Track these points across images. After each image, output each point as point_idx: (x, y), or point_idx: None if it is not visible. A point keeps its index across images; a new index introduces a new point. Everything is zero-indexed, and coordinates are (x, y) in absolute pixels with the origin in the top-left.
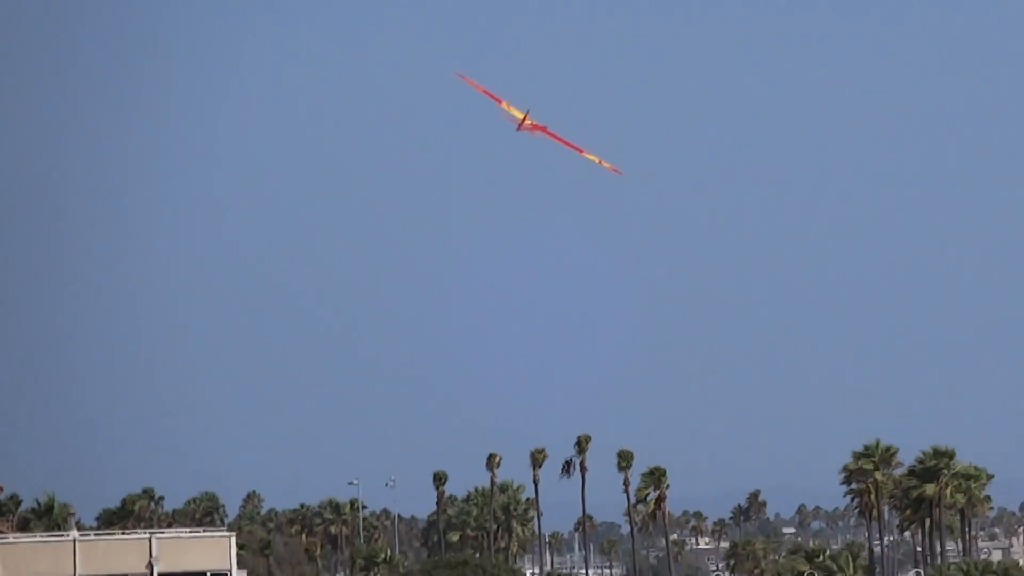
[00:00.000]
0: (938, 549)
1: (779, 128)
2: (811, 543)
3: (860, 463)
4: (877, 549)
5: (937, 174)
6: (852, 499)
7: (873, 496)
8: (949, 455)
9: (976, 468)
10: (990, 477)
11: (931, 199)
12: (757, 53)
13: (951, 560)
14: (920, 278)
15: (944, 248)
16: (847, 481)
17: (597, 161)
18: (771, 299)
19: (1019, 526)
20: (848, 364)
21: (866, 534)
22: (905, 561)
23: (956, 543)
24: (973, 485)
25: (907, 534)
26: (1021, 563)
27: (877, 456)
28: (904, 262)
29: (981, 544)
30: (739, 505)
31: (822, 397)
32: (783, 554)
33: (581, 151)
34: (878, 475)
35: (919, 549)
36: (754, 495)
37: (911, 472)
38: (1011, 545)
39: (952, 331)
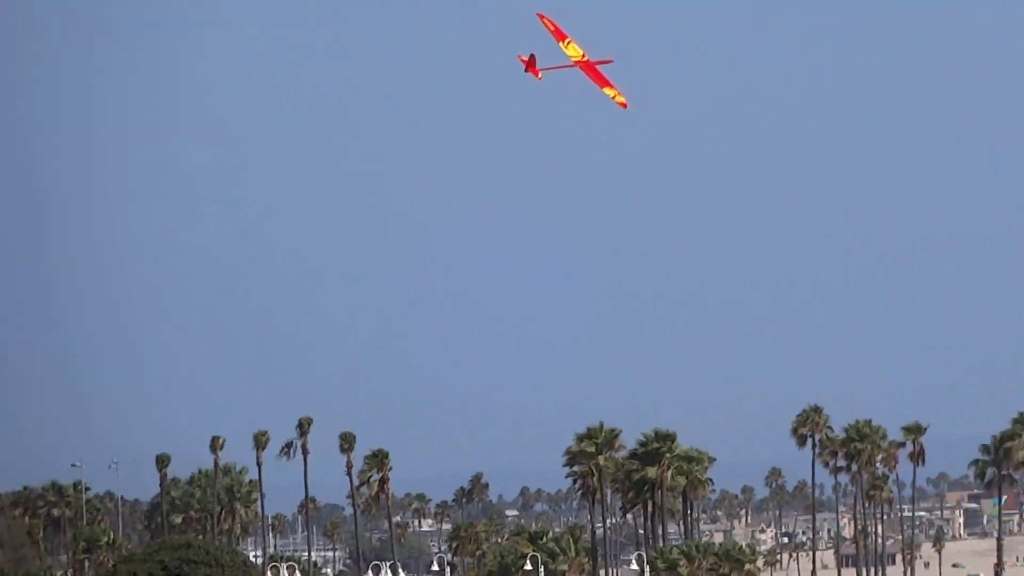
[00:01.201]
0: (660, 532)
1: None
2: (534, 525)
3: (582, 446)
4: (599, 531)
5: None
6: (574, 482)
7: (595, 479)
8: (671, 438)
9: (697, 451)
10: (711, 460)
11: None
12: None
13: (673, 542)
14: (642, 266)
15: (662, 238)
16: (569, 464)
17: (613, 95)
18: (489, 286)
19: (741, 509)
20: (569, 349)
21: (588, 516)
22: (627, 543)
23: (678, 526)
24: (694, 468)
25: (629, 516)
26: (743, 545)
27: (599, 439)
28: (618, 251)
29: (703, 527)
30: (462, 488)
31: (543, 380)
32: (506, 536)
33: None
34: (600, 458)
35: (641, 532)
36: (477, 478)
37: (633, 455)
38: (733, 527)
39: (672, 318)
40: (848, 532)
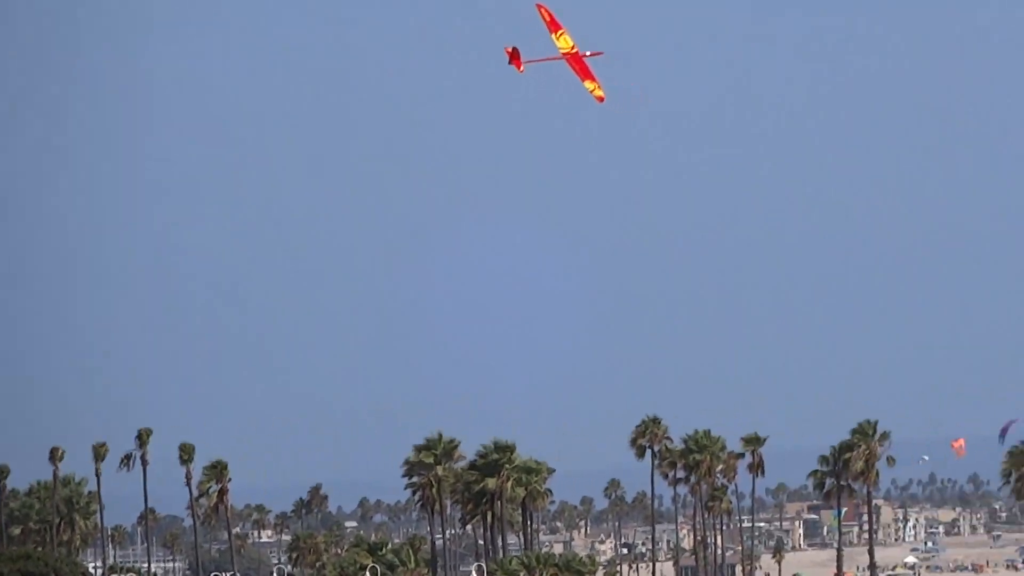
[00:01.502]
0: (499, 543)
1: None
2: (373, 536)
3: (421, 456)
4: (439, 542)
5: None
6: (414, 492)
7: (435, 490)
8: (510, 449)
9: (536, 462)
10: (551, 471)
11: None
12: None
13: (512, 553)
14: (457, 284)
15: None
16: (408, 474)
17: (592, 89)
18: (350, 298)
19: (580, 519)
20: (407, 362)
21: (428, 528)
22: (467, 554)
23: (517, 537)
24: (534, 479)
25: (469, 527)
26: (582, 556)
27: (439, 450)
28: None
29: (543, 537)
30: (301, 499)
31: (383, 392)
32: (345, 547)
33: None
34: (439, 468)
35: (481, 542)
36: (316, 489)
37: (472, 466)
38: (572, 538)
39: (510, 331)
40: (687, 543)
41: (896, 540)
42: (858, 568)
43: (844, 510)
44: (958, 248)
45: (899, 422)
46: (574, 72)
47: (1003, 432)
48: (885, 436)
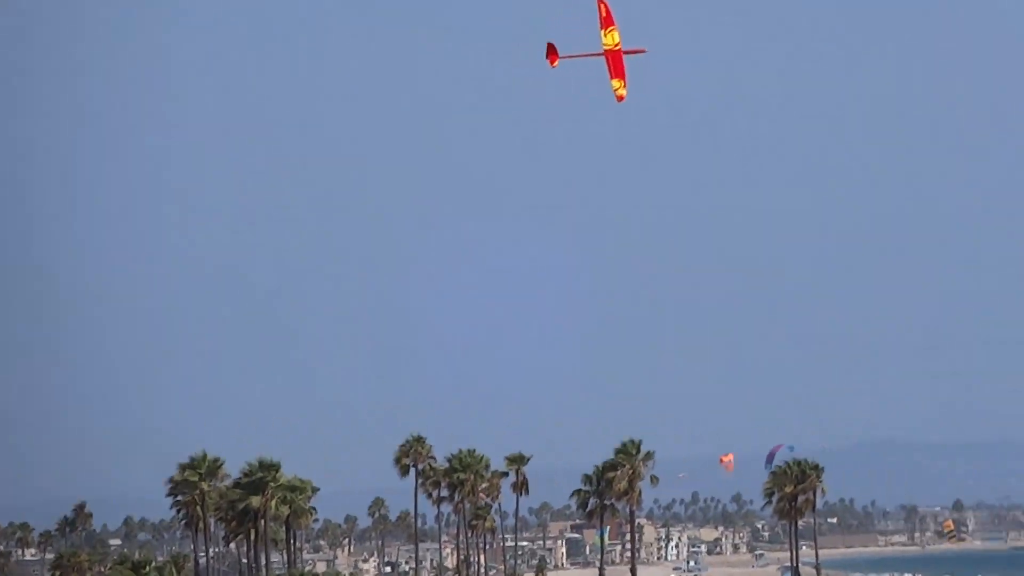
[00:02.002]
0: (263, 561)
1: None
2: (137, 555)
3: (186, 475)
4: (203, 561)
5: None
6: (178, 511)
7: (199, 508)
8: (275, 467)
9: (301, 480)
10: (315, 490)
11: None
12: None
13: (276, 572)
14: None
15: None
16: (173, 493)
17: (617, 87)
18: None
19: (344, 538)
20: (173, 380)
21: (192, 546)
22: (231, 572)
23: (281, 555)
24: (298, 497)
25: (232, 546)
26: (346, 574)
27: (203, 468)
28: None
29: (306, 556)
30: (65, 516)
31: (145, 410)
32: (109, 565)
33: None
34: (204, 486)
35: (244, 560)
36: (80, 506)
37: (237, 484)
38: (336, 557)
39: (273, 350)
40: (451, 562)
41: (659, 559)
42: None
43: (607, 528)
44: (719, 270)
45: (662, 442)
46: (608, 67)
47: (770, 457)
48: (649, 456)
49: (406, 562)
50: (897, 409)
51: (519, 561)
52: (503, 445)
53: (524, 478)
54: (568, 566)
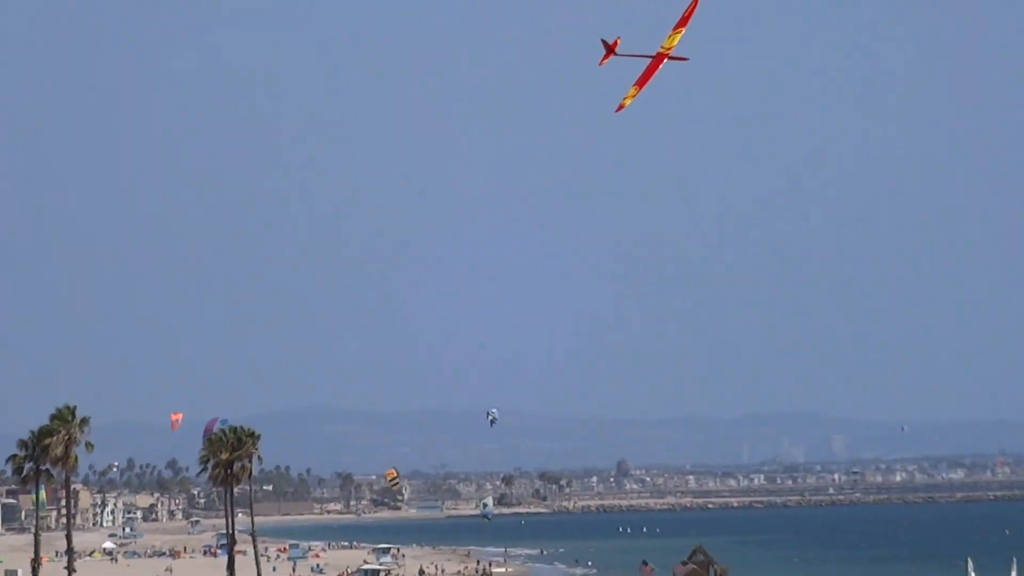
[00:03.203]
0: None
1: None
2: None
3: None
4: None
5: None
6: None
7: None
8: None
9: None
10: None
11: None
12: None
13: None
14: None
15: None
16: None
17: (630, 94)
18: None
19: None
20: None
21: None
22: None
23: None
24: None
25: None
26: None
27: None
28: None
29: None
30: None
31: None
32: None
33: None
34: None
35: None
36: None
37: None
38: None
39: None
40: None
41: (94, 525)
42: (56, 553)
43: (43, 488)
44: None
45: (99, 407)
46: (645, 71)
47: (206, 432)
48: (85, 421)
49: None
50: (334, 377)
51: None
52: None
53: None
54: (3, 532)
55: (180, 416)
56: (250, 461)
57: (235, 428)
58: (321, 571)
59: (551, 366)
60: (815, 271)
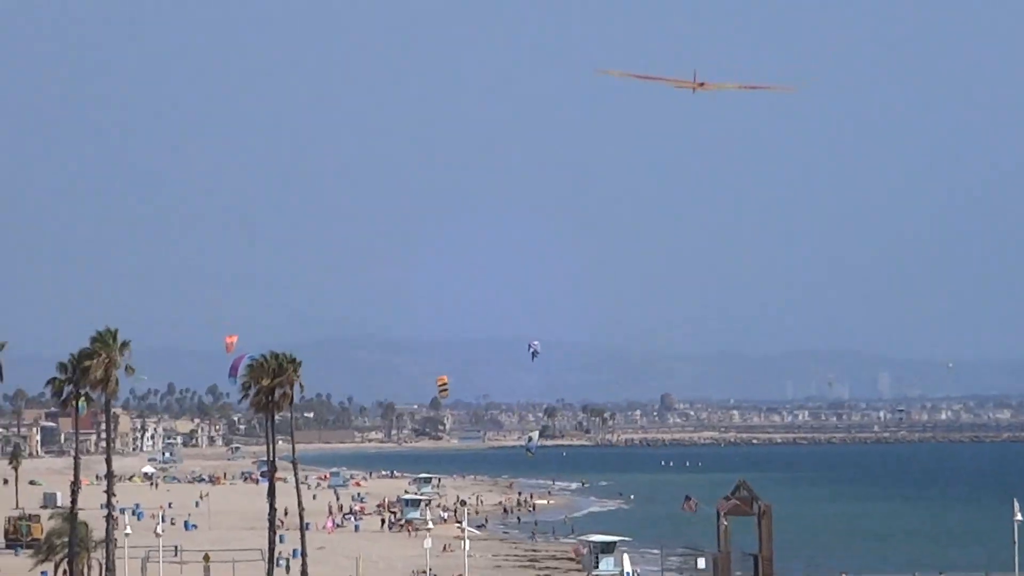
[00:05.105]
0: None
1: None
2: None
3: None
4: None
5: None
6: None
7: None
8: None
9: None
10: None
11: None
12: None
13: None
14: None
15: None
16: None
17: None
18: None
19: None
20: None
21: None
22: None
23: None
24: None
25: None
26: None
27: None
28: None
29: None
30: None
31: None
32: None
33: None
34: None
35: None
36: None
37: None
38: None
39: None
40: None
41: (134, 450)
42: (96, 477)
43: (84, 409)
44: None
45: (140, 331)
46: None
47: (233, 369)
48: (126, 345)
49: None
50: (376, 306)
51: None
52: None
53: None
54: (43, 454)
55: (235, 338)
56: (291, 388)
57: (276, 354)
58: (362, 500)
59: (596, 299)
60: (862, 208)
